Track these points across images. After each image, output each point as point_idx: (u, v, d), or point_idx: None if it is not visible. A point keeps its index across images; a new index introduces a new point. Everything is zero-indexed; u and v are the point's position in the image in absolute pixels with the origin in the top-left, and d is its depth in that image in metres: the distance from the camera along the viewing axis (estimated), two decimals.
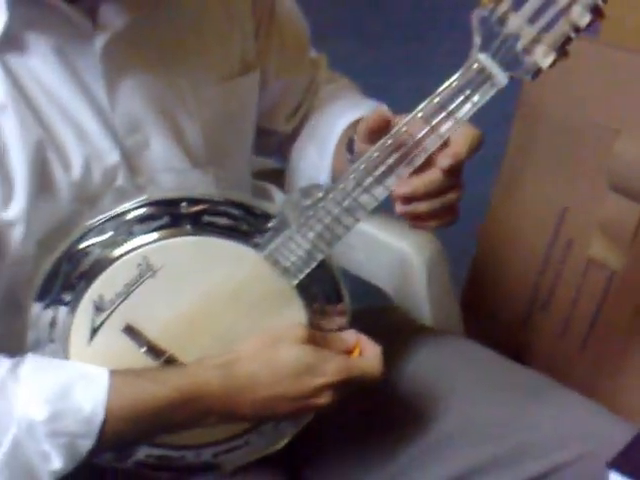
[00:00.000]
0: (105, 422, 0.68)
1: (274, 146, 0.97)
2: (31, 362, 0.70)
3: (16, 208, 0.71)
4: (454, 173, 0.71)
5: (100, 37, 0.72)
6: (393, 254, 0.99)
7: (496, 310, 1.34)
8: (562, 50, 0.67)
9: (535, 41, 0.67)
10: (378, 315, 0.95)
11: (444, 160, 0.70)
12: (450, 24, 2.40)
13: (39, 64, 0.71)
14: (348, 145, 0.81)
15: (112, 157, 0.75)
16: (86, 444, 0.68)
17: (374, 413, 0.85)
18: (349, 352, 0.74)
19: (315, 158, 0.87)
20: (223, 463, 0.78)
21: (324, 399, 0.71)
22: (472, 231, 1.40)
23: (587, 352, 1.27)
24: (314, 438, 0.80)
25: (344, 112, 0.87)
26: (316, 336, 0.73)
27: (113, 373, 0.70)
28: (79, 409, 0.67)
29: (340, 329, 0.76)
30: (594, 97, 1.17)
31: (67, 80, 0.72)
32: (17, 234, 0.72)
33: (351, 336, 0.75)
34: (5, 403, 0.67)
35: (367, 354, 0.74)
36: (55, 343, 0.73)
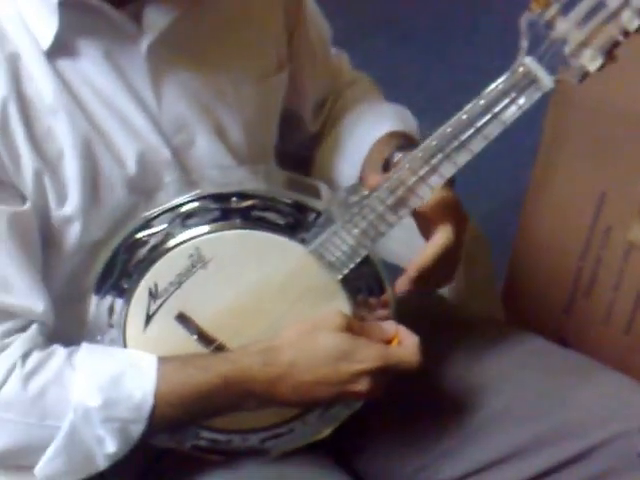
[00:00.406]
0: (154, 408, 0.72)
1: (301, 141, 0.98)
2: (85, 350, 0.74)
3: (70, 207, 0.74)
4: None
5: (145, 38, 0.74)
6: None
7: (538, 298, 1.34)
8: (610, 54, 0.67)
9: (583, 45, 0.67)
10: (420, 304, 0.96)
11: (413, 268, 0.77)
12: (484, 16, 2.35)
13: (90, 67, 0.73)
14: (384, 167, 0.83)
15: (163, 153, 0.77)
16: (137, 429, 0.72)
17: (419, 398, 0.87)
18: (388, 342, 0.76)
19: (349, 174, 0.89)
20: (270, 448, 0.81)
21: (361, 386, 0.73)
22: (511, 220, 1.40)
23: (631, 336, 1.27)
24: (360, 423, 0.82)
25: (372, 128, 0.89)
26: (354, 324, 0.75)
27: (161, 361, 0.73)
28: (130, 396, 0.72)
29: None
30: (630, 81, 1.15)
31: (116, 82, 0.74)
32: (75, 230, 0.75)
33: (390, 326, 0.77)
34: (63, 390, 0.72)
35: (405, 343, 0.75)
36: (114, 328, 0.77)
